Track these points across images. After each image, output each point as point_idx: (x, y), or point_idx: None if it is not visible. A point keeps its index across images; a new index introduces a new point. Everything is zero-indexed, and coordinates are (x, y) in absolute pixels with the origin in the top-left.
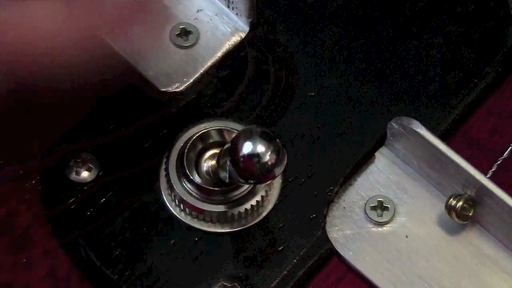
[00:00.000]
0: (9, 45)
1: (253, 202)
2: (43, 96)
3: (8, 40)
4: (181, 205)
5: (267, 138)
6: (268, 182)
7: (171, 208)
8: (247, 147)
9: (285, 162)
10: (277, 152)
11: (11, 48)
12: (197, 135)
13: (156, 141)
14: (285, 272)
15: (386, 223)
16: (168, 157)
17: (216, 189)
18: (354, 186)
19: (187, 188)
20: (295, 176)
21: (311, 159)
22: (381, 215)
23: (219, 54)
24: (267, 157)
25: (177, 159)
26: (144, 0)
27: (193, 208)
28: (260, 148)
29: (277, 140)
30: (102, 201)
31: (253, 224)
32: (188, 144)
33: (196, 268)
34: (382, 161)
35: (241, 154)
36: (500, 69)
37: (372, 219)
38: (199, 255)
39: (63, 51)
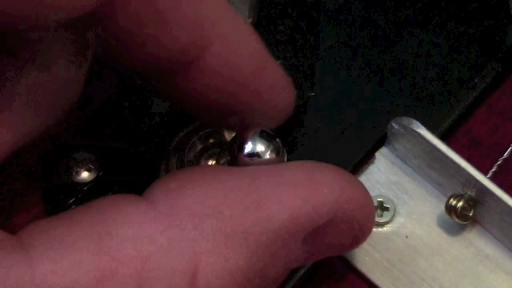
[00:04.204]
0: None
1: None
2: None
3: None
4: None
5: (267, 138)
6: None
7: None
8: (247, 147)
9: (285, 162)
10: (276, 151)
11: None
12: (197, 135)
13: (156, 141)
14: None
15: (386, 223)
16: (168, 158)
17: None
18: None
19: None
20: None
21: (311, 160)
22: (381, 215)
23: None
24: (266, 156)
25: (177, 160)
26: None
27: None
28: (260, 148)
29: (277, 139)
30: None
31: None
32: (188, 144)
33: None
34: (382, 161)
35: (240, 154)
36: (500, 69)
37: None
38: None
39: None
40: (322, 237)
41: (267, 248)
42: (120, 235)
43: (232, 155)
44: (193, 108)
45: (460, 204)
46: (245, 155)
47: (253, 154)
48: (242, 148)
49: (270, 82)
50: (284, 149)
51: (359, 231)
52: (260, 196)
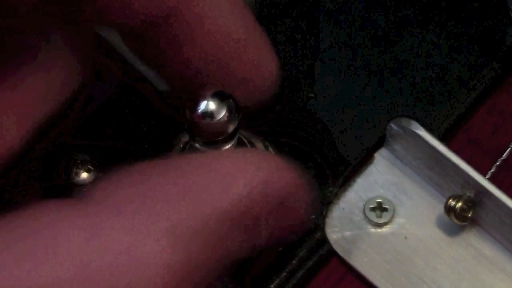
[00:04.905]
0: None
1: None
2: None
3: None
4: None
5: (220, 97)
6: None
7: None
8: (200, 106)
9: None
10: (230, 111)
11: None
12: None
13: (156, 142)
14: (284, 273)
15: (385, 224)
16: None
17: None
18: (353, 187)
19: None
20: None
21: (310, 160)
22: (380, 216)
23: None
24: (220, 116)
25: None
26: None
27: None
28: (212, 106)
29: (231, 99)
30: None
31: None
32: (188, 145)
33: None
34: (381, 162)
35: (194, 114)
36: (500, 69)
37: (371, 220)
38: None
39: None
40: (261, 225)
41: (203, 242)
42: (57, 244)
43: (185, 119)
44: (170, 72)
45: (459, 205)
46: (198, 115)
47: (206, 114)
48: (195, 108)
49: (253, 49)
50: (239, 108)
51: (295, 211)
52: (187, 191)
